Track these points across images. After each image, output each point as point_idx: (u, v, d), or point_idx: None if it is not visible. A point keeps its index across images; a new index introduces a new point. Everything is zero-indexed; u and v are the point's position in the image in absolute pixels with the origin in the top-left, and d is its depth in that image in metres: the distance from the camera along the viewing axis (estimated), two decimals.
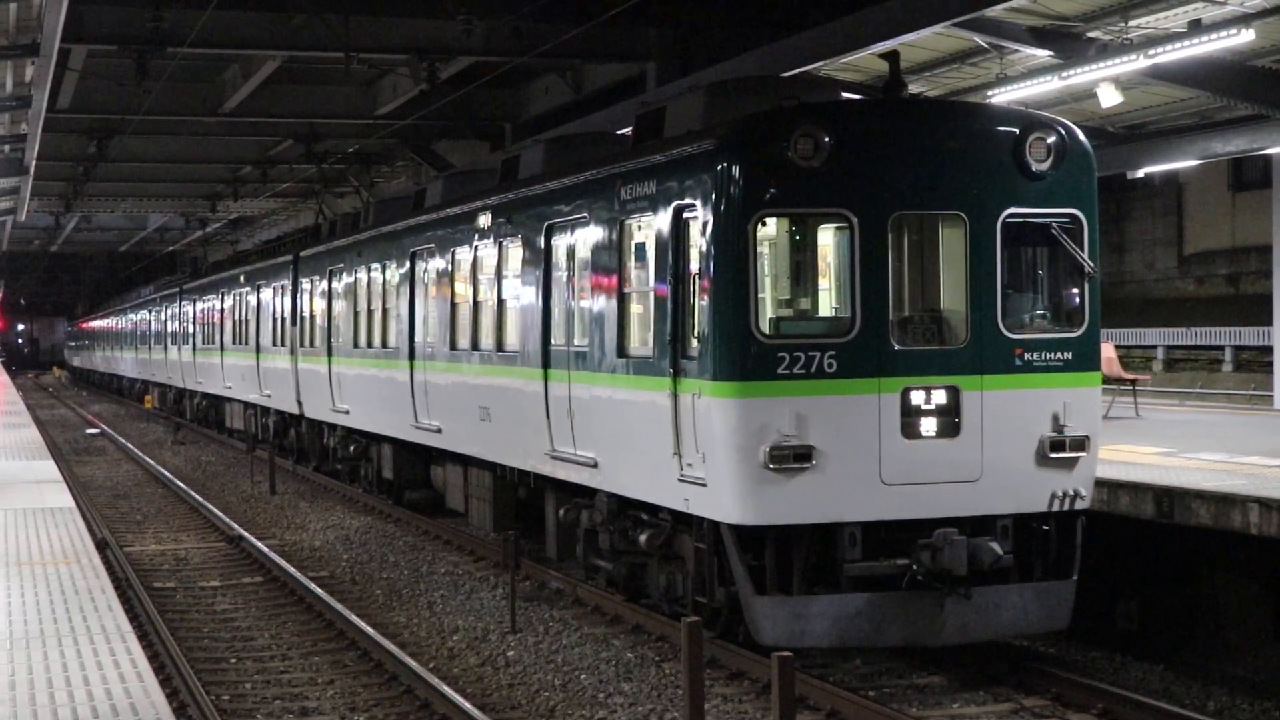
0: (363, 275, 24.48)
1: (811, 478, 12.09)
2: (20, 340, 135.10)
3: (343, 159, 43.63)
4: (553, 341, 15.91)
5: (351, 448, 26.10)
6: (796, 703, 10.59)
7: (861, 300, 12.35)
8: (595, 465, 14.77)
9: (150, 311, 55.68)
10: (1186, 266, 35.64)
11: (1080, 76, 19.26)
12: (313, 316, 28.55)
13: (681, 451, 12.87)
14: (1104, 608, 14.70)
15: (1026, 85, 19.94)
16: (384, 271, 23.12)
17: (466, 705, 11.80)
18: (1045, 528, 12.84)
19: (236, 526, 22.18)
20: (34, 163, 31.93)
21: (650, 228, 13.62)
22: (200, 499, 26.04)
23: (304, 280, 29.37)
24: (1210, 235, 34.77)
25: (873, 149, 12.50)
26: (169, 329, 49.83)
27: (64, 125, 38.71)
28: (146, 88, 29.88)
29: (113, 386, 76.15)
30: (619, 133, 20.13)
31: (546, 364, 15.94)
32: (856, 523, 12.27)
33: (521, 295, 16.87)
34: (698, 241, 12.72)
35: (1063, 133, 12.96)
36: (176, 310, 48.11)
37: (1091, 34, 19.41)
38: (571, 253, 15.52)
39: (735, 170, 12.30)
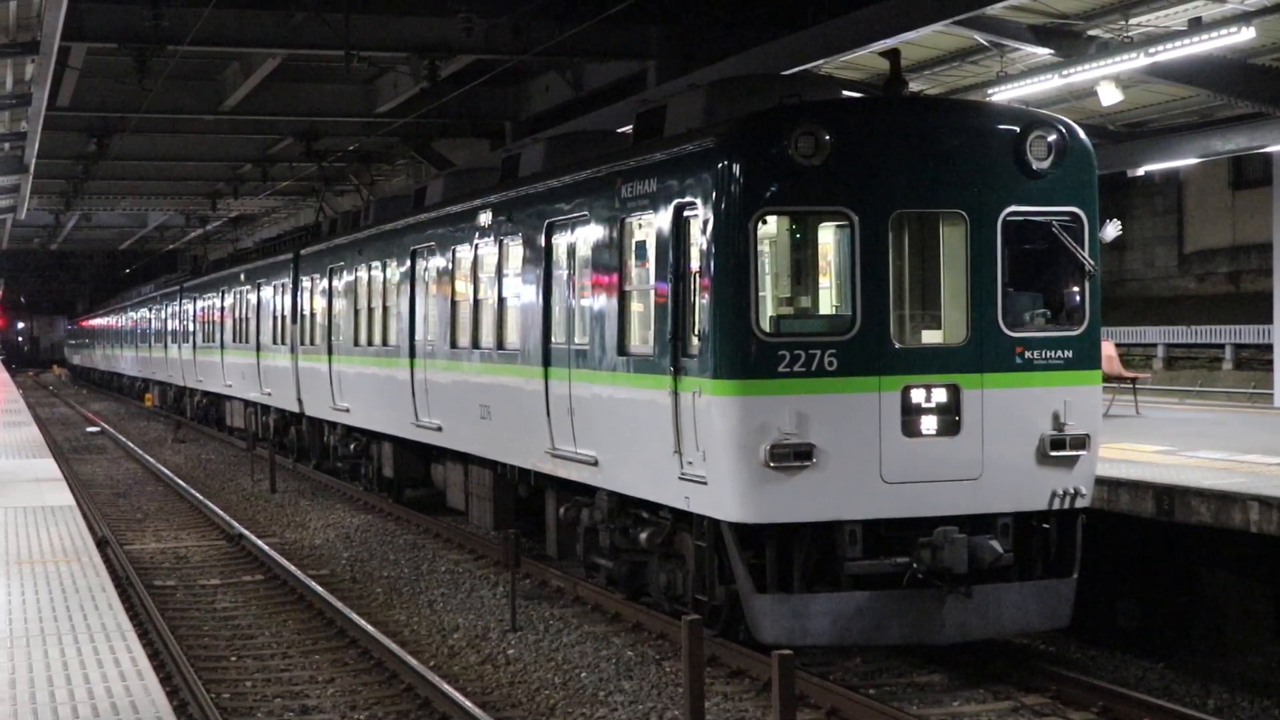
0: (363, 273, 24.48)
1: (812, 476, 12.09)
2: (20, 338, 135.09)
3: (343, 157, 43.67)
4: (553, 340, 15.90)
5: (352, 446, 26.10)
6: (796, 701, 10.59)
7: (862, 298, 12.35)
8: (596, 464, 14.77)
9: (150, 310, 55.68)
10: (1187, 265, 35.65)
11: (1081, 75, 19.26)
12: (313, 315, 28.55)
13: (682, 450, 12.86)
14: (1104, 606, 14.70)
15: (1027, 83, 19.94)
16: (384, 270, 23.12)
17: (467, 703, 11.80)
18: (1045, 526, 12.84)
19: (237, 525, 22.19)
20: (34, 161, 31.94)
21: (651, 226, 13.62)
22: (200, 497, 26.04)
23: (304, 278, 29.37)
24: (1210, 233, 34.78)
25: (873, 147, 12.50)
26: (169, 327, 49.83)
27: (64, 123, 38.75)
28: (146, 86, 29.90)
29: (113, 385, 76.15)
30: (619, 131, 20.12)
31: (547, 362, 15.94)
32: (857, 521, 12.27)
33: (522, 293, 16.87)
34: (698, 240, 12.72)
35: (1063, 131, 12.96)
36: (177, 308, 48.11)
37: (1092, 32, 19.41)
38: (572, 251, 15.52)
39: (736, 168, 12.30)
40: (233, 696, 12.83)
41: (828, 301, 13.11)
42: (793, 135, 12.16)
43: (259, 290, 33.93)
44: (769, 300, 12.60)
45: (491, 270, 18.09)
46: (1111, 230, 13.76)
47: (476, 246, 18.70)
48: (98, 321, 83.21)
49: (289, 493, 27.40)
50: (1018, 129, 12.83)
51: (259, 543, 20.32)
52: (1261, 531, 12.69)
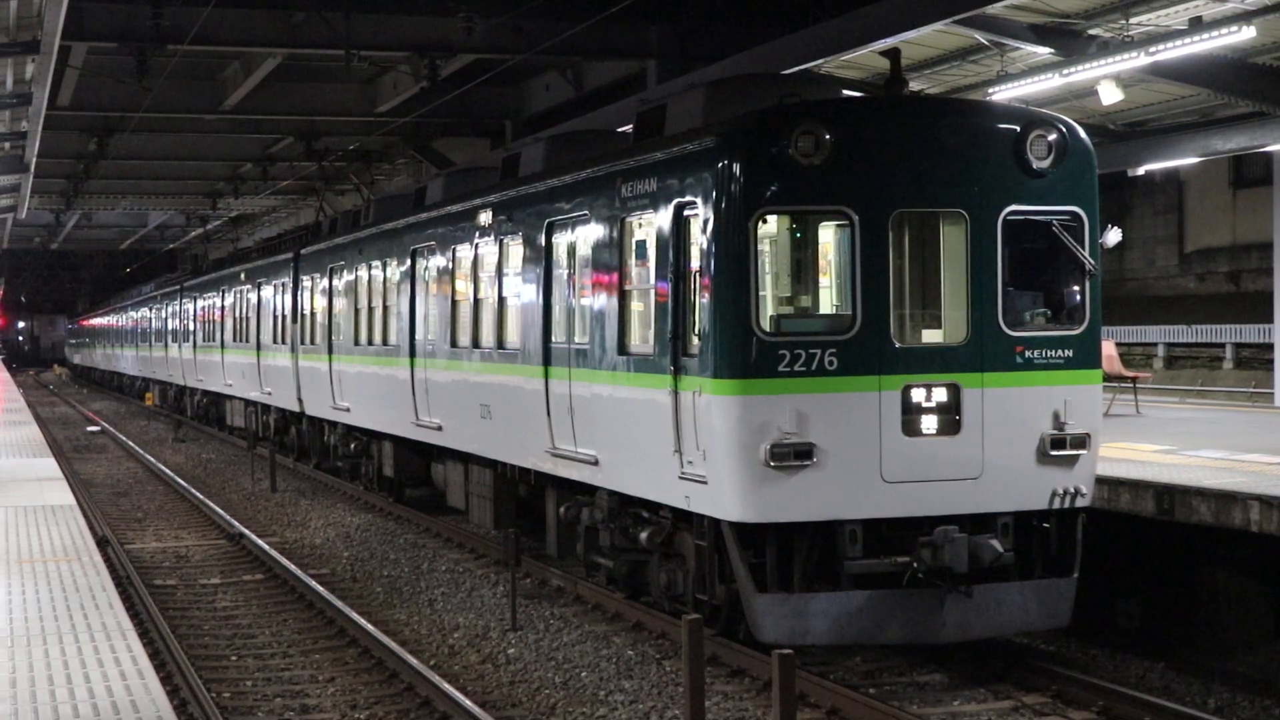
0: (363, 273, 24.48)
1: (812, 475, 12.09)
2: (21, 338, 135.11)
3: (343, 156, 43.69)
4: (553, 339, 15.90)
5: (352, 445, 26.10)
6: (797, 700, 10.60)
7: (862, 298, 12.34)
8: (596, 463, 14.77)
9: (151, 309, 55.70)
10: (1187, 264, 35.64)
11: (1081, 74, 19.25)
12: (313, 314, 28.55)
13: (682, 449, 12.86)
14: (1104, 605, 14.70)
15: (1027, 83, 19.93)
16: (385, 269, 23.12)
17: (467, 703, 11.80)
18: (1046, 525, 12.84)
19: (237, 524, 22.19)
20: (34, 160, 31.97)
21: (651, 225, 13.62)
22: (201, 496, 26.05)
23: (304, 278, 29.37)
24: (1211, 232, 34.77)
25: (873, 147, 12.50)
26: (170, 326, 49.84)
27: (64, 122, 38.79)
28: (147, 85, 29.92)
29: (113, 384, 76.15)
30: (620, 130, 20.12)
31: (547, 361, 15.94)
32: (857, 520, 12.27)
33: (522, 293, 16.87)
34: (698, 239, 12.72)
35: (1063, 130, 12.95)
36: (177, 308, 48.12)
37: (1092, 31, 19.40)
38: (572, 250, 15.52)
39: (736, 168, 12.30)
40: (233, 696, 12.83)
41: (828, 301, 13.10)
42: (793, 135, 12.16)
43: (259, 289, 33.93)
44: (769, 300, 12.59)
45: (492, 270, 18.09)
46: (1113, 236, 13.78)
47: (477, 246, 18.70)
48: (98, 321, 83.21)
49: (289, 492, 27.40)
50: (1018, 128, 12.83)
51: (259, 542, 20.32)
52: (1262, 531, 12.69)
